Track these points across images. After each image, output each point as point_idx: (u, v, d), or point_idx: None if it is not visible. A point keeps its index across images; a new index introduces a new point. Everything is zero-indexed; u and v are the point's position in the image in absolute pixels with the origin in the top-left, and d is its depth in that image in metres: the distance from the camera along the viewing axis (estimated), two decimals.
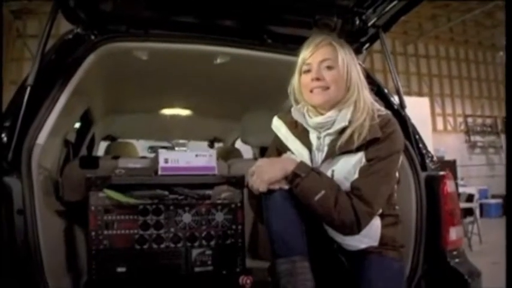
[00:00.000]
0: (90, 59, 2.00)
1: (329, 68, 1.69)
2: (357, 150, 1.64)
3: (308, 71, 1.72)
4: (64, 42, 2.06)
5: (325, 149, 1.72)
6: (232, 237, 1.89)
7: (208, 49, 2.25)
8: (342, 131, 1.68)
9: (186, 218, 1.85)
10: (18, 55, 12.94)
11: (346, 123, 1.67)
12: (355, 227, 1.58)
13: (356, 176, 1.64)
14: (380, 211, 1.70)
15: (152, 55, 2.27)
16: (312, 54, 1.70)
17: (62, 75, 1.91)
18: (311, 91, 1.70)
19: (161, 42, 2.20)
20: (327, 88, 1.69)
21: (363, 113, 1.67)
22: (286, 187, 1.60)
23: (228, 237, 1.88)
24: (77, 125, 3.07)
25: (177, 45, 2.21)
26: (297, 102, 1.81)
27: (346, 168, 1.65)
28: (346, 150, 1.65)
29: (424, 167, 2.15)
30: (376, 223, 1.71)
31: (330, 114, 1.70)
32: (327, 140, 1.73)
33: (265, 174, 1.62)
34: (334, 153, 1.67)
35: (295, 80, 1.78)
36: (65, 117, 2.13)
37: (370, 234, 1.69)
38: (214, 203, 1.89)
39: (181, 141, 5.11)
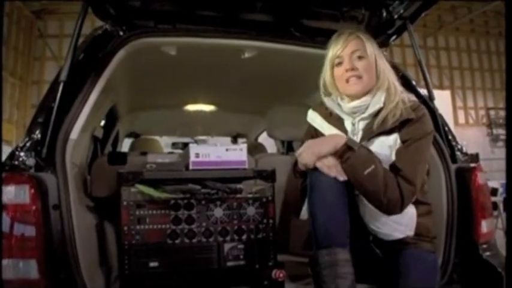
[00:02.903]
0: (120, 54, 2.02)
1: (360, 58, 1.78)
2: (392, 131, 1.71)
3: (340, 63, 1.80)
4: (94, 39, 2.08)
5: (360, 133, 1.78)
6: (263, 231, 1.88)
7: (236, 43, 2.26)
8: (376, 114, 1.75)
9: (218, 212, 1.85)
10: (39, 55, 13.11)
11: (381, 105, 1.74)
12: (398, 205, 1.63)
13: (392, 157, 1.69)
14: (415, 197, 1.73)
15: (180, 50, 2.28)
16: (343, 48, 1.78)
17: (93, 71, 1.93)
18: (347, 81, 1.78)
19: (189, 36, 2.20)
20: (360, 77, 1.76)
21: (396, 96, 1.76)
22: (342, 178, 1.63)
23: (259, 231, 1.88)
24: (103, 122, 3.10)
25: (205, 40, 2.22)
26: (327, 96, 1.88)
27: (382, 150, 1.71)
28: (382, 131, 1.71)
29: (454, 159, 2.13)
30: (412, 211, 1.74)
31: (365, 98, 1.78)
32: (361, 124, 1.80)
33: (315, 147, 1.69)
34: (370, 134, 1.74)
35: (326, 74, 1.85)
36: (95, 113, 2.16)
37: (407, 223, 1.73)
38: (245, 197, 1.88)
39: (202, 137, 5.14)
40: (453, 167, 2.08)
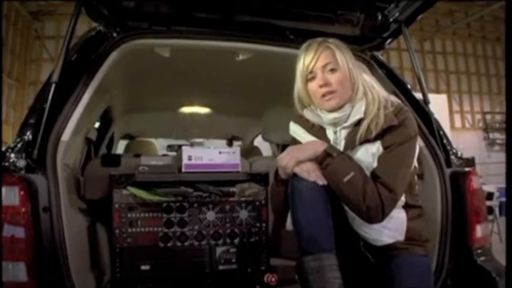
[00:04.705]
0: (113, 56, 2.00)
1: (332, 70, 1.73)
2: (375, 139, 1.67)
3: (313, 78, 1.76)
4: (87, 40, 2.06)
5: (342, 142, 1.75)
6: (256, 235, 1.87)
7: (230, 45, 2.25)
8: (358, 123, 1.72)
9: (210, 215, 1.84)
10: (36, 56, 13.10)
11: (362, 115, 1.70)
12: (380, 213, 1.59)
13: (375, 165, 1.66)
14: (404, 201, 1.72)
15: (174, 52, 2.26)
16: (315, 62, 1.74)
17: (85, 73, 1.91)
18: (322, 96, 1.74)
19: (183, 38, 2.18)
20: (335, 92, 1.72)
21: (375, 103, 1.71)
22: (321, 182, 1.60)
23: (252, 235, 1.87)
24: (97, 124, 3.10)
25: (200, 42, 2.20)
26: (304, 108, 1.85)
27: (366, 158, 1.68)
28: (366, 140, 1.67)
29: (448, 163, 2.12)
30: (402, 215, 1.72)
31: (345, 109, 1.74)
32: (343, 133, 1.77)
33: (295, 152, 1.67)
34: (353, 144, 1.70)
35: (299, 87, 1.81)
36: (88, 115, 2.16)
37: (396, 228, 1.71)
38: (238, 200, 1.88)
39: (198, 140, 5.13)
40: (448, 171, 2.07)
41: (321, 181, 1.61)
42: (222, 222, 1.85)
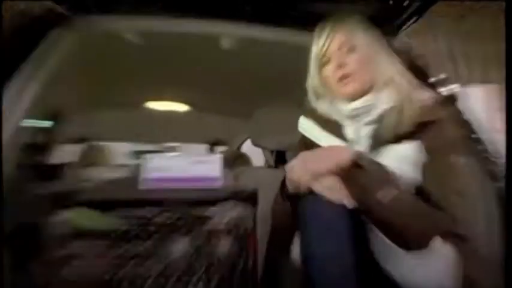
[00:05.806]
0: (66, 41, 1.77)
1: (349, 51, 1.54)
2: (407, 138, 1.43)
3: (328, 61, 1.58)
4: (32, 21, 1.76)
5: (364, 141, 1.52)
6: (242, 274, 1.53)
7: (212, 31, 2.04)
8: (383, 118, 1.49)
9: (180, 246, 1.51)
10: None
11: (389, 105, 1.48)
12: (425, 239, 1.29)
13: (410, 172, 1.39)
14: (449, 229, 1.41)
15: (144, 37, 2.13)
16: (329, 43, 1.56)
17: (29, 61, 1.66)
18: (339, 81, 1.53)
19: (155, 22, 1.95)
20: (352, 74, 1.53)
21: (403, 91, 1.50)
22: (349, 204, 1.28)
23: (235, 271, 1.53)
24: (42, 123, 2.83)
25: (175, 26, 1.97)
26: (319, 99, 1.65)
27: (397, 161, 1.41)
28: (394, 138, 1.44)
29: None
30: (444, 252, 1.34)
31: (368, 97, 1.51)
32: (365, 130, 1.53)
33: (310, 163, 1.34)
34: (378, 143, 1.47)
35: (313, 74, 1.62)
36: (31, 112, 1.83)
37: (439, 267, 1.33)
38: (217, 226, 1.56)
39: (172, 144, 4.88)
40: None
41: (349, 202, 1.27)
42: (195, 257, 1.52)
